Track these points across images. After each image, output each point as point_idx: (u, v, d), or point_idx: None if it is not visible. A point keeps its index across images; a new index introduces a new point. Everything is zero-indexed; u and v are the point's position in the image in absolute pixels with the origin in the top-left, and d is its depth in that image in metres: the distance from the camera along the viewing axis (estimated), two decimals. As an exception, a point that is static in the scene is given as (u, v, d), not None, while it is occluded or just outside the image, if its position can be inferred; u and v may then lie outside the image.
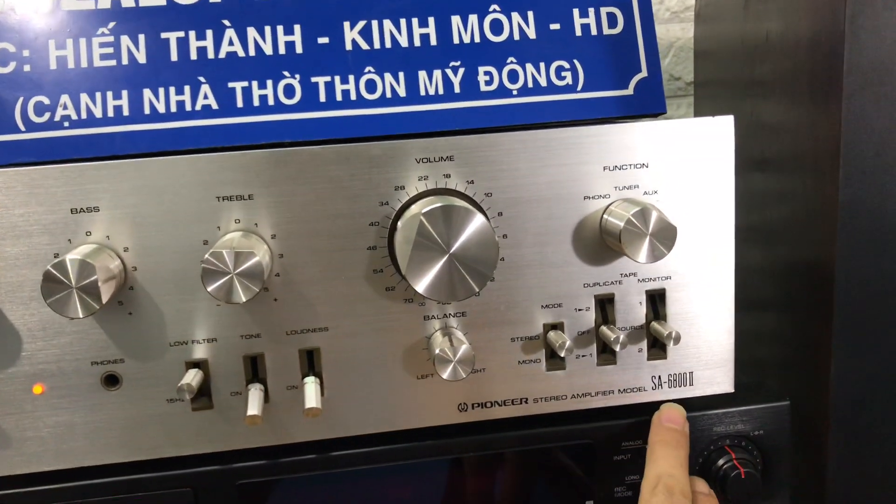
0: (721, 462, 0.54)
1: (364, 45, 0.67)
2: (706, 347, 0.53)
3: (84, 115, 0.63)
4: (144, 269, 0.48)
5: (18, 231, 0.47)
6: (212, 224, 0.48)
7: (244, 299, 0.44)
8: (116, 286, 0.46)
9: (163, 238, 0.48)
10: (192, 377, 0.47)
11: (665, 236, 0.47)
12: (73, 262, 0.44)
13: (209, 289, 0.44)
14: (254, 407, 0.47)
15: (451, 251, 0.45)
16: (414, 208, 0.47)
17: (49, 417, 0.49)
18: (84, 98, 0.63)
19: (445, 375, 0.48)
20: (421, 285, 0.45)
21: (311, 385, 0.49)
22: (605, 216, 0.50)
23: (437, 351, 0.48)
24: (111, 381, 0.49)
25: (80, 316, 0.44)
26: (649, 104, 0.70)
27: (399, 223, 0.47)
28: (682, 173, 0.51)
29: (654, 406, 0.54)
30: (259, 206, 0.48)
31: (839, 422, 0.56)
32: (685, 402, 0.54)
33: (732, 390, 0.54)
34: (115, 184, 0.47)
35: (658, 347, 0.53)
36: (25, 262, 0.47)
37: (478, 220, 0.45)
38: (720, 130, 0.51)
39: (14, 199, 0.46)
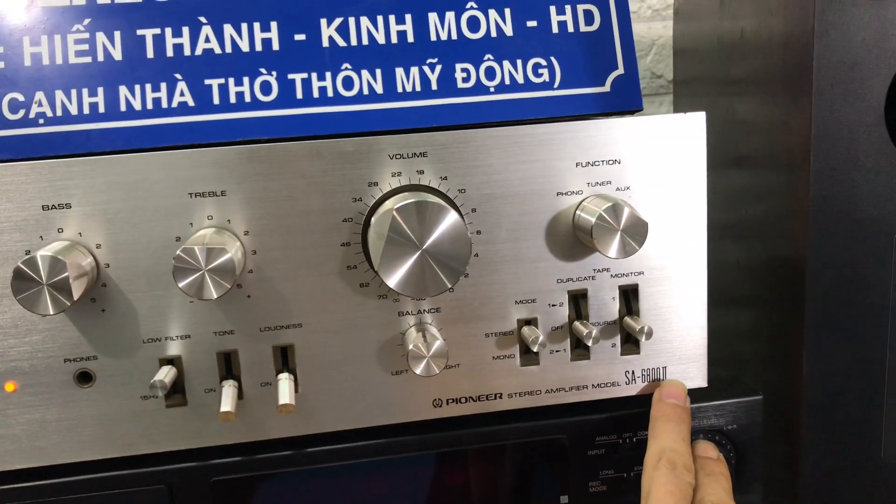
0: (694, 456, 0.54)
1: (341, 42, 0.67)
2: (679, 342, 0.54)
3: (59, 113, 0.63)
4: (117, 266, 0.48)
5: (-11, 228, 0.46)
6: (184, 220, 0.48)
7: (215, 296, 0.44)
8: (88, 283, 0.46)
9: (135, 234, 0.48)
10: (166, 374, 0.47)
11: (636, 232, 0.48)
12: (43, 259, 0.44)
13: (180, 285, 0.44)
14: (227, 403, 0.47)
15: (424, 247, 0.46)
16: (387, 204, 0.47)
17: (21, 415, 0.49)
18: (59, 95, 0.63)
19: (419, 371, 0.48)
20: (393, 280, 0.46)
21: (284, 382, 0.49)
22: (577, 212, 0.50)
23: (410, 347, 0.48)
24: (84, 378, 0.49)
25: (51, 313, 0.44)
26: (626, 101, 0.71)
27: (372, 219, 0.47)
28: (655, 169, 0.51)
29: (628, 401, 0.54)
30: (232, 203, 0.48)
31: (813, 414, 0.56)
32: (659, 397, 0.54)
33: (706, 385, 0.55)
34: (87, 180, 0.47)
35: (631, 342, 0.53)
36: (-4, 259, 0.47)
37: (451, 217, 0.46)
38: (692, 127, 0.51)
39: (-16, 196, 0.46)
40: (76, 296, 0.44)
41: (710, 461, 0.51)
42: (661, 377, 0.54)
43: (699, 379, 0.55)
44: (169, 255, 0.48)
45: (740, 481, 0.55)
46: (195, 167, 0.47)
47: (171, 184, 0.47)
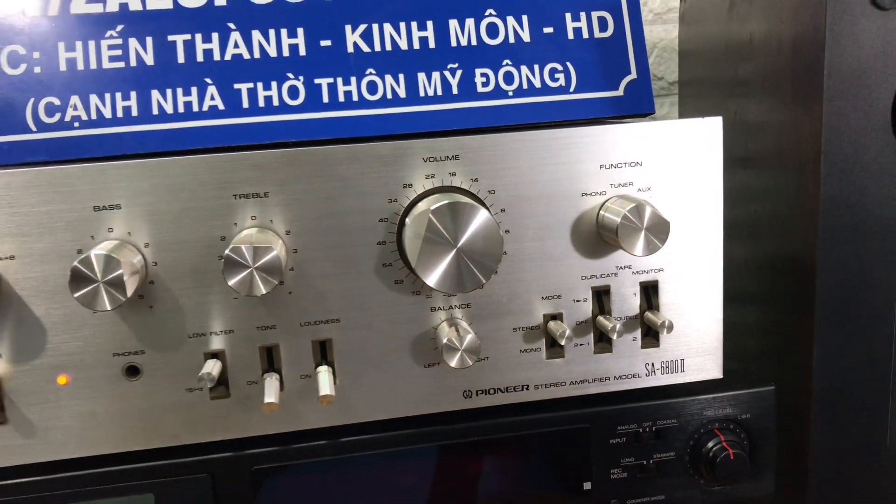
0: (711, 444, 0.57)
1: (365, 48, 0.69)
2: (696, 336, 0.56)
3: (94, 116, 0.65)
4: (164, 264, 0.50)
5: (43, 228, 0.49)
6: (229, 220, 0.50)
7: (264, 291, 0.46)
8: (139, 280, 0.48)
9: (182, 234, 0.50)
10: (212, 367, 0.49)
11: (659, 230, 0.50)
12: (98, 258, 0.46)
13: (230, 283, 0.46)
14: (271, 395, 0.49)
15: (459, 245, 0.48)
16: (422, 205, 0.50)
17: (73, 407, 0.51)
18: (94, 99, 0.65)
19: (453, 363, 0.50)
20: (431, 279, 0.48)
21: (324, 374, 0.51)
22: (601, 212, 0.53)
23: (444, 340, 0.51)
24: (132, 371, 0.51)
25: (108, 308, 0.46)
26: (638, 104, 0.73)
27: (408, 219, 0.50)
28: (674, 171, 0.54)
29: (648, 392, 0.57)
30: (274, 204, 0.50)
31: (821, 406, 0.59)
32: (677, 388, 0.57)
33: (721, 376, 0.57)
34: (136, 182, 0.49)
35: (651, 336, 0.56)
36: (50, 257, 0.49)
37: (483, 216, 0.48)
38: (709, 131, 0.54)
39: (39, 197, 0.48)
40: (130, 292, 0.46)
41: None
42: (680, 369, 0.57)
43: (715, 370, 0.57)
44: (214, 253, 0.50)
45: (753, 468, 0.58)
46: (239, 169, 0.50)
47: (216, 185, 0.50)
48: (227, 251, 0.46)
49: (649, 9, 1.12)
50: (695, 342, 0.56)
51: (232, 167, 0.50)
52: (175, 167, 0.50)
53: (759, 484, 0.58)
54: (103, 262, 0.46)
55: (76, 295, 0.46)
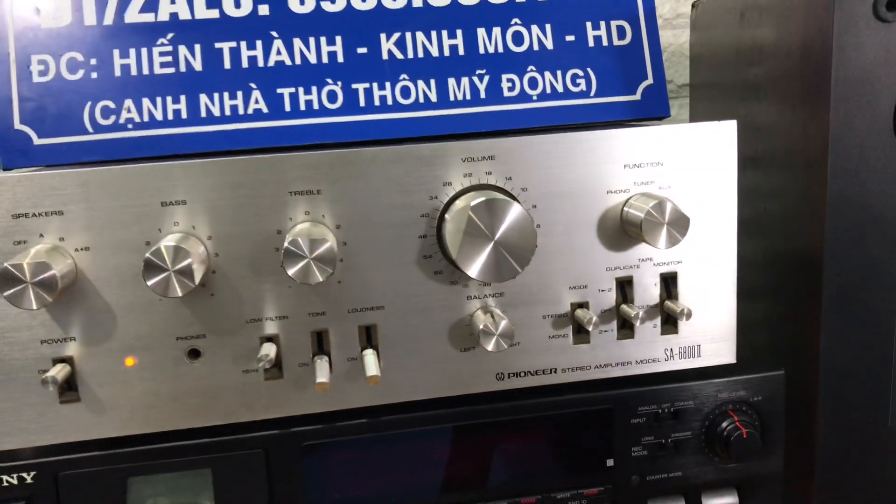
0: (725, 424, 0.61)
1: (399, 55, 0.73)
2: (712, 323, 0.61)
3: (146, 118, 0.69)
4: (225, 255, 0.54)
5: (115, 222, 0.53)
6: (284, 215, 0.54)
7: (320, 279, 0.51)
8: (205, 269, 0.52)
9: (241, 228, 0.54)
10: (270, 349, 0.54)
11: (679, 225, 0.54)
12: (168, 249, 0.50)
13: (290, 272, 0.50)
14: (322, 375, 0.54)
15: (496, 238, 0.52)
16: (461, 202, 0.54)
17: (138, 386, 0.55)
18: (146, 102, 0.69)
19: (490, 347, 0.55)
20: (472, 270, 0.52)
21: (370, 356, 0.55)
22: (625, 209, 0.57)
23: (481, 326, 0.55)
24: (193, 354, 0.55)
25: (179, 295, 0.50)
26: (655, 108, 0.78)
27: (447, 215, 0.54)
28: (692, 170, 0.58)
29: (667, 375, 0.61)
30: (325, 200, 0.55)
31: (827, 391, 0.63)
32: (694, 372, 0.61)
33: (735, 361, 0.62)
34: (200, 180, 0.53)
35: (670, 324, 0.60)
36: (121, 249, 0.53)
37: (517, 210, 0.52)
38: (725, 133, 0.58)
39: (112, 193, 0.53)
40: (197, 280, 0.51)
41: None
42: (696, 354, 0.61)
43: (729, 356, 0.62)
44: (270, 245, 0.54)
45: (765, 447, 0.62)
46: (294, 169, 0.54)
47: (273, 183, 0.54)
48: (286, 243, 0.50)
49: (659, 14, 1.16)
50: (710, 329, 0.61)
51: (288, 167, 0.54)
52: (235, 166, 0.54)
53: (770, 461, 0.63)
54: (173, 253, 0.50)
55: (150, 283, 0.50)
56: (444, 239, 0.54)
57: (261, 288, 0.55)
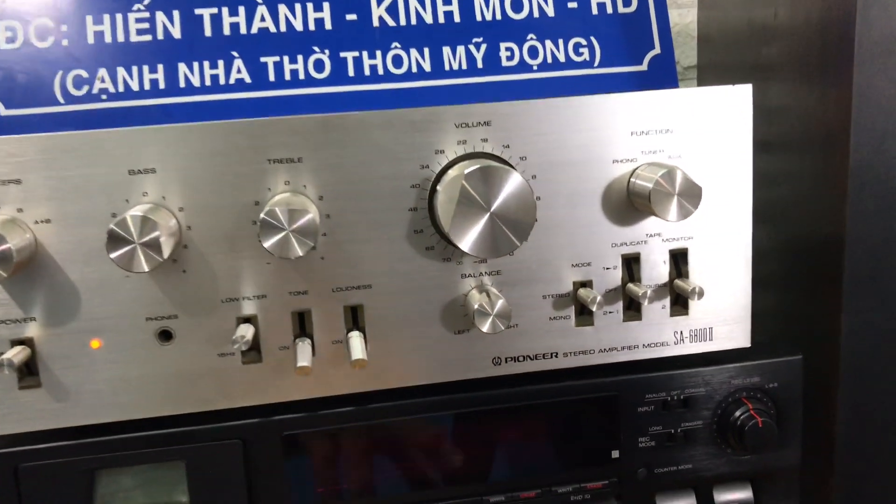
0: (738, 412, 0.57)
1: (391, 22, 0.69)
2: (725, 304, 0.57)
3: (121, 89, 0.65)
4: (198, 229, 0.50)
5: (78, 191, 0.49)
6: (262, 185, 0.50)
7: (300, 253, 0.46)
8: (175, 243, 0.48)
9: (215, 199, 0.50)
10: (246, 330, 0.50)
11: (691, 195, 0.50)
12: (134, 219, 0.46)
13: (266, 245, 0.46)
14: (304, 359, 0.50)
15: (493, 210, 0.48)
16: (454, 170, 0.50)
17: (105, 371, 0.51)
18: (121, 72, 0.65)
19: (485, 329, 0.51)
20: (465, 243, 0.48)
21: (356, 339, 0.51)
22: (632, 179, 0.53)
23: (475, 306, 0.51)
24: (165, 336, 0.51)
25: (145, 270, 0.46)
26: (663, 80, 0.74)
27: (440, 185, 0.50)
28: (704, 139, 0.54)
29: (677, 360, 0.57)
30: (307, 169, 0.50)
31: (848, 376, 0.59)
32: (705, 356, 0.57)
33: (749, 345, 0.57)
34: (171, 147, 0.49)
35: (680, 304, 0.56)
36: (85, 221, 0.49)
37: (515, 179, 0.48)
38: (739, 98, 0.54)
39: (75, 161, 0.48)
40: (166, 253, 0.47)
41: None
42: (708, 338, 0.57)
43: (743, 339, 0.57)
44: (247, 218, 0.50)
45: (781, 437, 0.58)
46: (274, 135, 0.50)
47: (250, 150, 0.50)
48: (262, 214, 0.46)
49: (664, -7, 1.12)
50: (723, 310, 0.57)
51: (267, 132, 0.50)
52: (209, 131, 0.50)
53: (786, 453, 0.59)
54: (140, 224, 0.46)
55: (113, 256, 0.46)
56: (436, 211, 0.50)
57: (237, 264, 0.51)
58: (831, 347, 0.59)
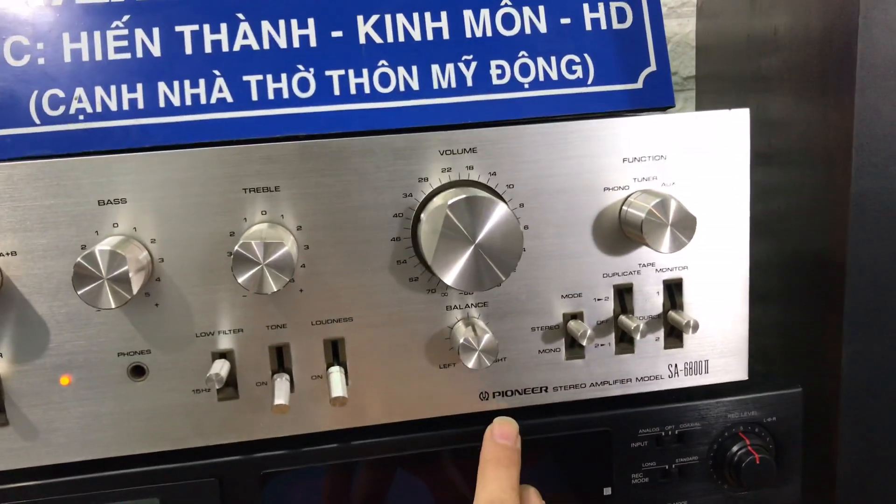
0: (735, 448, 0.55)
1: (377, 39, 0.67)
2: (721, 336, 0.54)
3: (99, 109, 0.63)
4: (171, 261, 0.48)
5: (46, 222, 0.47)
6: (238, 215, 0.48)
7: (275, 289, 0.44)
8: (145, 277, 0.46)
9: (189, 230, 0.48)
10: (221, 367, 0.48)
11: (685, 226, 0.48)
12: (102, 254, 0.44)
13: (240, 279, 0.44)
14: (281, 396, 0.48)
15: (477, 241, 0.46)
16: (438, 199, 0.48)
17: (76, 408, 0.49)
18: (99, 91, 0.63)
19: (470, 364, 0.49)
20: (449, 276, 0.46)
21: (336, 374, 0.49)
22: (624, 207, 0.51)
23: (461, 340, 0.49)
24: (137, 371, 0.49)
25: (112, 306, 0.44)
26: (658, 98, 0.71)
27: (423, 214, 0.48)
28: (699, 165, 0.52)
29: (671, 394, 0.55)
30: (285, 198, 0.48)
31: (850, 409, 0.57)
32: (701, 390, 0.55)
33: (746, 377, 0.55)
34: (143, 176, 0.47)
35: (674, 336, 0.54)
36: (53, 253, 0.47)
37: (501, 210, 0.46)
38: (736, 123, 0.52)
39: (42, 191, 0.47)
40: (136, 289, 0.45)
41: None
42: (704, 370, 0.55)
43: (740, 372, 0.55)
44: (223, 250, 0.48)
45: (780, 472, 0.56)
46: (249, 162, 0.48)
47: (225, 179, 0.48)
48: (236, 247, 0.44)
49: (664, 2, 1.10)
50: (719, 342, 0.54)
51: (242, 160, 0.48)
52: (182, 160, 0.48)
53: (786, 489, 0.56)
54: (108, 259, 0.44)
55: (80, 292, 0.44)
56: (420, 242, 0.48)
57: (212, 297, 0.49)
58: (832, 376, 0.57)
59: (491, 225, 0.46)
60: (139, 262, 0.45)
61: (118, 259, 0.44)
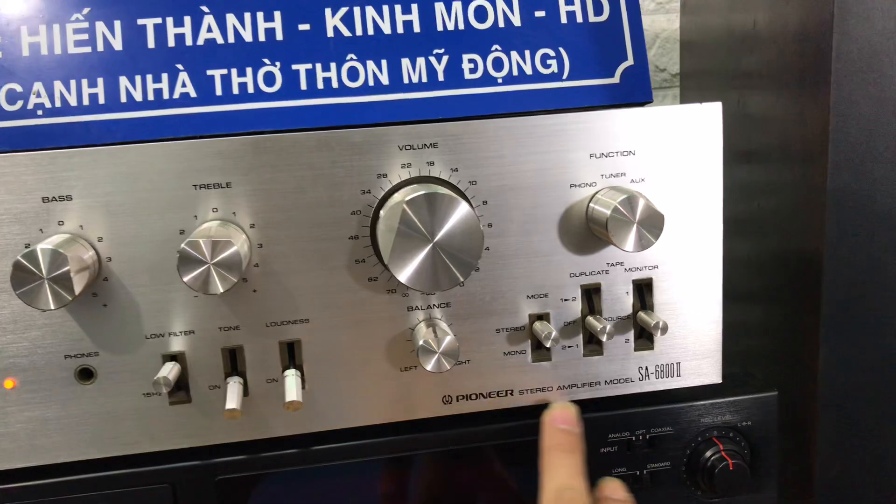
0: (709, 454, 0.53)
1: (346, 32, 0.65)
2: (693, 338, 0.53)
3: (58, 104, 0.62)
4: (119, 260, 0.46)
5: (-13, 221, 0.45)
6: (188, 213, 0.46)
7: (221, 290, 0.43)
8: (90, 277, 0.44)
9: (138, 228, 0.46)
10: (169, 370, 0.46)
11: (652, 224, 0.46)
12: (44, 252, 0.42)
13: (185, 279, 0.43)
14: (232, 401, 0.46)
15: (435, 240, 0.44)
16: (397, 196, 0.46)
17: (21, 413, 0.47)
18: (58, 86, 0.62)
19: (429, 367, 0.47)
20: (404, 275, 0.44)
21: (291, 378, 0.48)
22: (591, 204, 0.49)
23: (420, 342, 0.47)
24: (85, 374, 0.48)
25: (52, 308, 0.42)
26: (636, 93, 0.70)
27: (382, 212, 0.46)
28: (670, 161, 0.50)
29: (642, 397, 0.53)
30: (237, 195, 0.47)
31: (827, 411, 0.55)
32: (672, 393, 0.53)
33: (720, 381, 0.54)
34: (89, 172, 0.46)
35: (645, 338, 0.52)
36: (-5, 252, 0.45)
37: (462, 209, 0.44)
38: (708, 117, 0.50)
39: (-17, 188, 0.45)
40: (77, 290, 0.43)
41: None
42: (675, 373, 0.53)
43: (714, 375, 0.54)
44: (173, 248, 0.46)
45: (755, 478, 0.54)
46: (200, 158, 0.46)
47: (175, 175, 0.46)
48: (182, 245, 0.43)
49: (653, -1, 1.08)
50: (692, 344, 0.53)
51: (192, 155, 0.46)
52: (130, 155, 0.46)
53: (761, 496, 0.55)
54: (49, 258, 0.42)
55: (18, 292, 0.42)
56: (378, 240, 0.46)
57: (162, 298, 0.47)
58: (810, 378, 0.56)
59: (450, 224, 0.44)
60: (83, 261, 0.44)
61: (60, 258, 0.42)
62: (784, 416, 0.56)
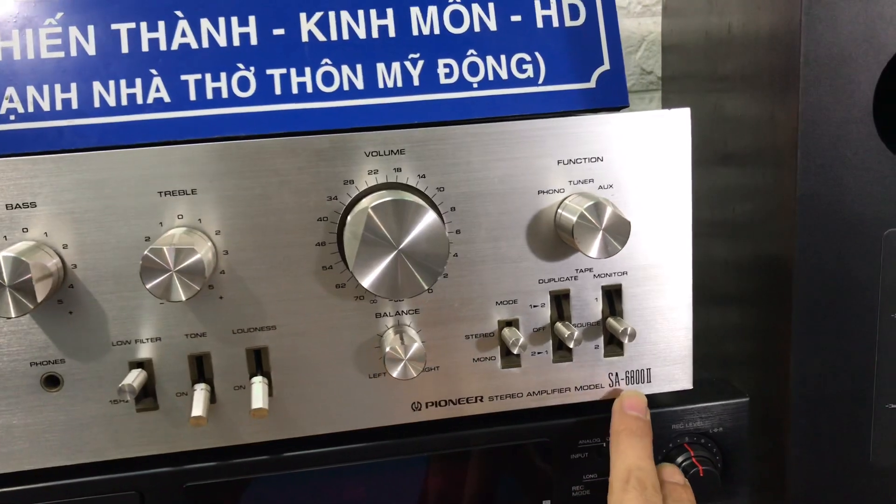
0: (680, 460, 0.53)
1: (321, 37, 0.65)
2: (664, 344, 0.53)
3: (31, 109, 0.62)
4: (85, 267, 0.46)
5: (-49, 228, 0.45)
6: (154, 220, 0.46)
7: (184, 298, 0.43)
8: (54, 284, 0.44)
9: (103, 234, 0.46)
10: (135, 378, 0.46)
11: (618, 231, 0.46)
12: (5, 260, 0.42)
13: (148, 286, 0.43)
14: (198, 408, 0.46)
15: (400, 247, 0.44)
16: (363, 203, 0.46)
17: (-13, 420, 0.47)
18: (31, 91, 0.62)
19: (396, 374, 0.47)
20: (367, 281, 0.44)
21: (258, 385, 0.47)
22: (559, 210, 0.49)
23: (387, 349, 0.47)
24: (51, 382, 0.48)
25: (13, 315, 0.42)
26: (612, 97, 0.70)
27: (348, 218, 0.46)
28: (639, 167, 0.50)
29: (611, 403, 0.53)
30: (203, 201, 0.47)
31: (798, 417, 0.55)
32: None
33: (691, 387, 0.53)
34: (53, 178, 0.46)
35: (615, 344, 0.52)
36: (-41, 259, 0.45)
37: (428, 216, 0.44)
38: (676, 123, 0.50)
39: (-54, 195, 0.45)
40: (40, 298, 0.43)
41: (677, 487, 0.49)
42: (646, 379, 0.53)
43: (685, 381, 0.53)
44: (138, 255, 0.46)
45: (727, 485, 0.54)
46: (165, 164, 0.46)
47: (140, 182, 0.46)
48: (145, 252, 0.42)
49: (638, 0, 1.08)
50: (662, 350, 0.53)
51: (157, 162, 0.46)
52: (96, 162, 0.46)
53: (733, 502, 0.55)
54: (10, 266, 0.42)
55: (-21, 300, 0.42)
56: (344, 246, 0.46)
57: (129, 304, 0.47)
58: (782, 384, 0.55)
59: (416, 231, 0.44)
60: (46, 269, 0.44)
61: (21, 266, 0.42)
62: (759, 419, 0.55)
